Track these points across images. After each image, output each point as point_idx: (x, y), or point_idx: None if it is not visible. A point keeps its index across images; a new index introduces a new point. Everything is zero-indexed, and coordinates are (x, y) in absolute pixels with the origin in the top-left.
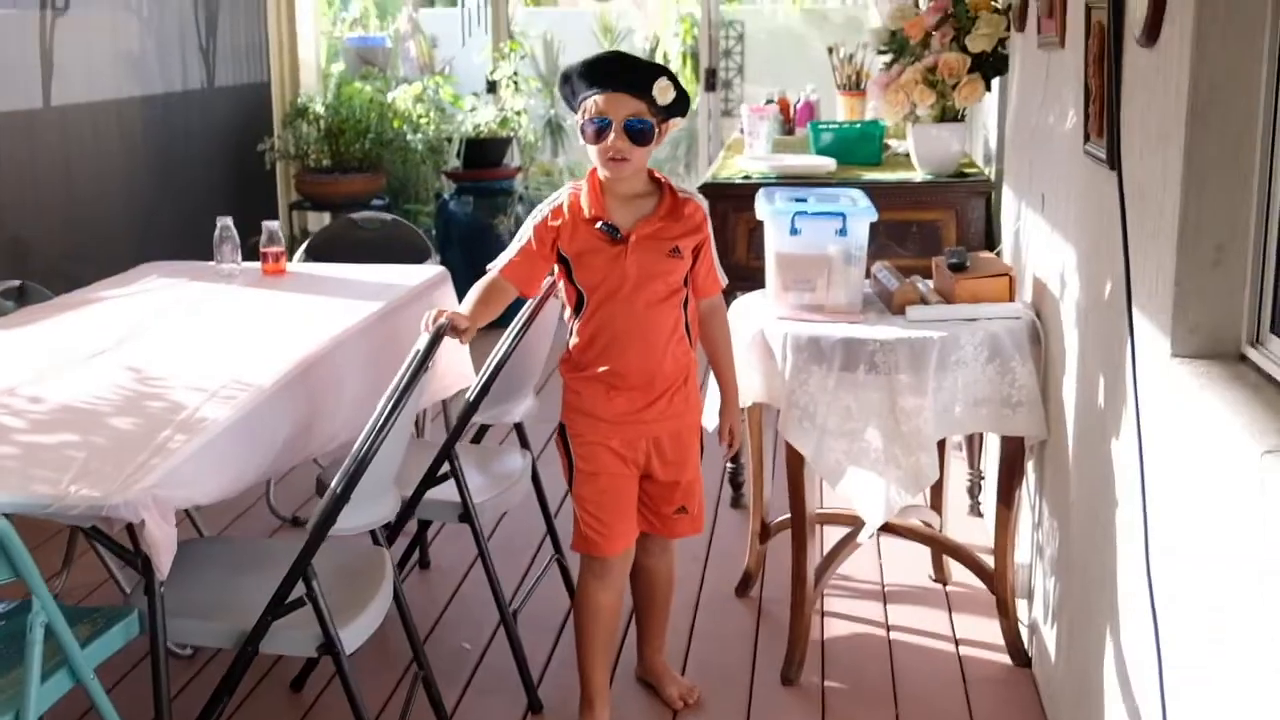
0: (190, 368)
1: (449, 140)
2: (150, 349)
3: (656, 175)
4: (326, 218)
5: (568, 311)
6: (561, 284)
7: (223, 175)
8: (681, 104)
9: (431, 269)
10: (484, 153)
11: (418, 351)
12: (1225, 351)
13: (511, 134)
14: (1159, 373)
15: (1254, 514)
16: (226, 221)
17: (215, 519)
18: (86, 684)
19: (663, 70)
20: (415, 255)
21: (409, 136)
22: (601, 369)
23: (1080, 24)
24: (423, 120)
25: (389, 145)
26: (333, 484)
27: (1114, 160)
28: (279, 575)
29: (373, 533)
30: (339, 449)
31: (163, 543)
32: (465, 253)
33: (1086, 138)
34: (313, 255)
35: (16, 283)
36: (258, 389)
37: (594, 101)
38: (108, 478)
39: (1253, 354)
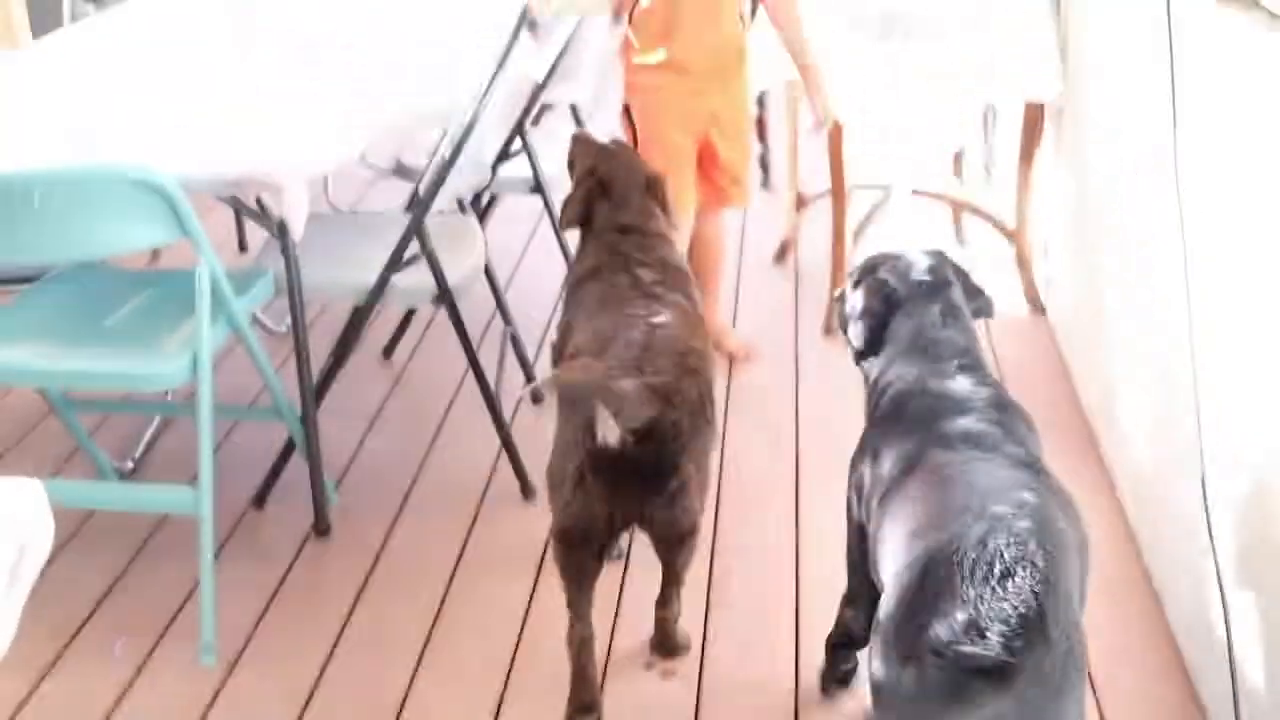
0: (287, 54)
1: None
2: (245, 40)
3: None
4: None
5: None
6: None
7: None
8: None
9: None
10: None
11: (510, 29)
12: None
13: None
14: (1186, 17)
15: None
16: None
17: None
18: (242, 330)
19: None
20: None
21: None
22: (661, 49)
23: None
24: None
25: None
26: (440, 150)
27: None
28: (392, 241)
29: (459, 203)
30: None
31: (298, 205)
32: None
33: None
34: None
35: None
36: (354, 67)
37: None
38: (251, 149)
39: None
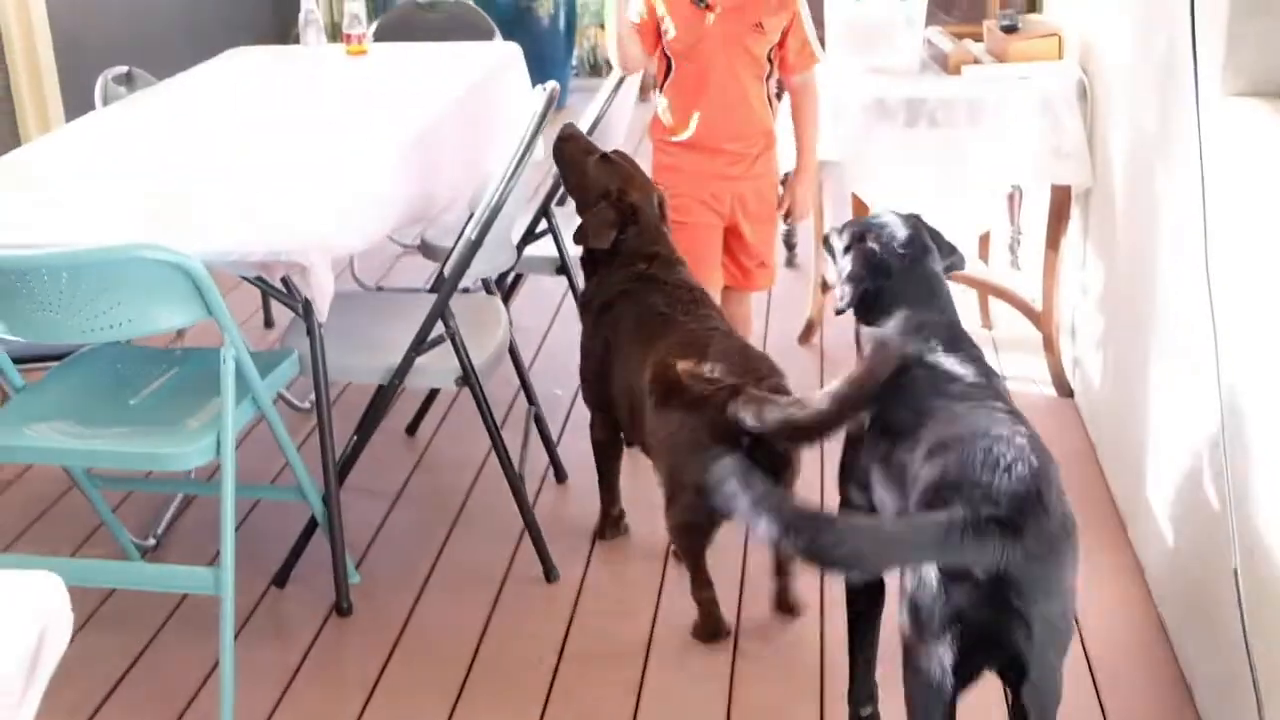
0: (317, 136)
1: None
2: (275, 120)
3: None
4: (363, 2)
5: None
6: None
7: None
8: None
9: (502, 46)
10: None
11: (536, 114)
12: (1271, 90)
13: None
14: (1212, 110)
15: None
16: (310, 5)
17: None
18: (267, 411)
19: None
20: (478, 35)
21: None
22: (688, 132)
23: None
24: None
25: None
26: (467, 232)
27: None
28: (417, 321)
29: (484, 283)
30: (448, 210)
31: (324, 287)
32: (506, 36)
33: None
34: (381, 37)
35: (125, 69)
36: (386, 152)
37: None
38: (278, 230)
39: None
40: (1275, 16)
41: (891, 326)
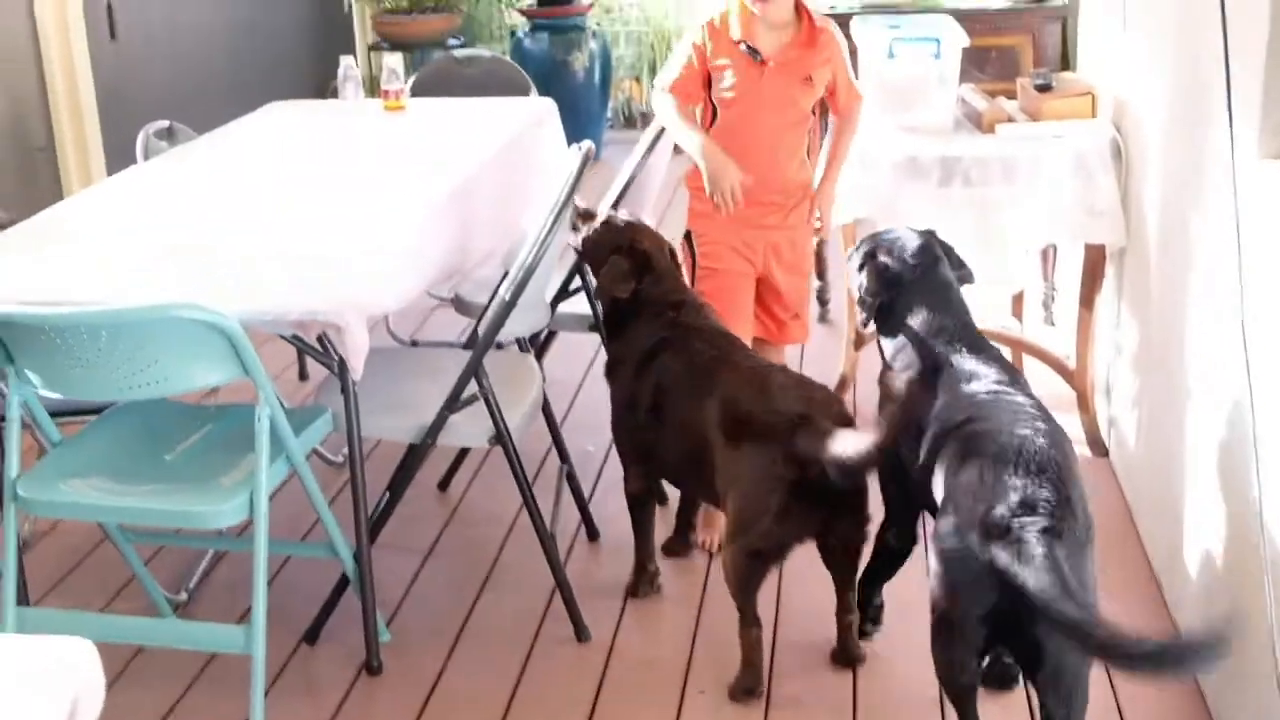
0: (354, 193)
1: None
2: (313, 176)
3: (798, 3)
4: (400, 58)
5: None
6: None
7: (305, 17)
8: None
9: (537, 102)
10: None
11: (571, 172)
12: None
13: None
14: (1248, 173)
15: None
16: (350, 61)
17: None
18: (300, 469)
19: None
20: (515, 90)
21: None
22: None
23: None
24: None
25: None
26: (501, 292)
27: None
28: (450, 379)
29: (518, 341)
30: (481, 266)
31: (359, 346)
32: (542, 90)
33: None
34: (418, 92)
35: (166, 123)
36: (422, 210)
37: None
38: (314, 289)
39: None
40: None
41: (911, 331)
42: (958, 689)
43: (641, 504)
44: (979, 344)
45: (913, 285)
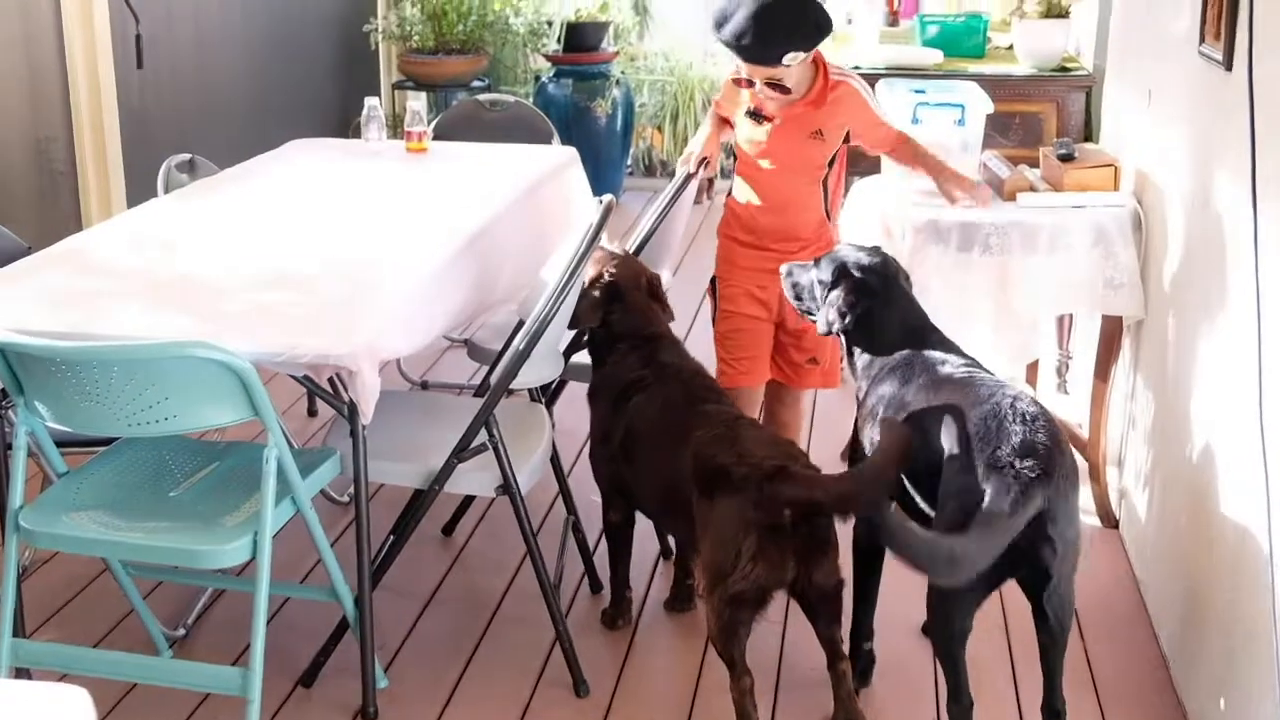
0: (372, 235)
1: (549, 24)
2: (332, 217)
3: (815, 57)
4: (424, 98)
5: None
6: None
7: (331, 54)
8: (825, 30)
9: (560, 150)
10: (583, 37)
11: (591, 225)
12: None
13: (610, 19)
14: (1271, 255)
15: None
16: (374, 102)
17: None
18: (305, 512)
19: (796, 36)
20: (537, 137)
21: (510, 19)
22: (745, 232)
23: None
24: (523, 4)
25: (490, 27)
26: (515, 343)
27: (1229, 62)
28: (459, 425)
29: (530, 391)
30: (496, 311)
31: (370, 390)
32: (564, 135)
33: (1201, 39)
34: (441, 134)
35: (188, 156)
36: (440, 255)
37: (738, 63)
38: (327, 332)
39: None
40: None
41: (887, 334)
42: (954, 634)
43: (620, 534)
44: (946, 341)
45: (883, 295)
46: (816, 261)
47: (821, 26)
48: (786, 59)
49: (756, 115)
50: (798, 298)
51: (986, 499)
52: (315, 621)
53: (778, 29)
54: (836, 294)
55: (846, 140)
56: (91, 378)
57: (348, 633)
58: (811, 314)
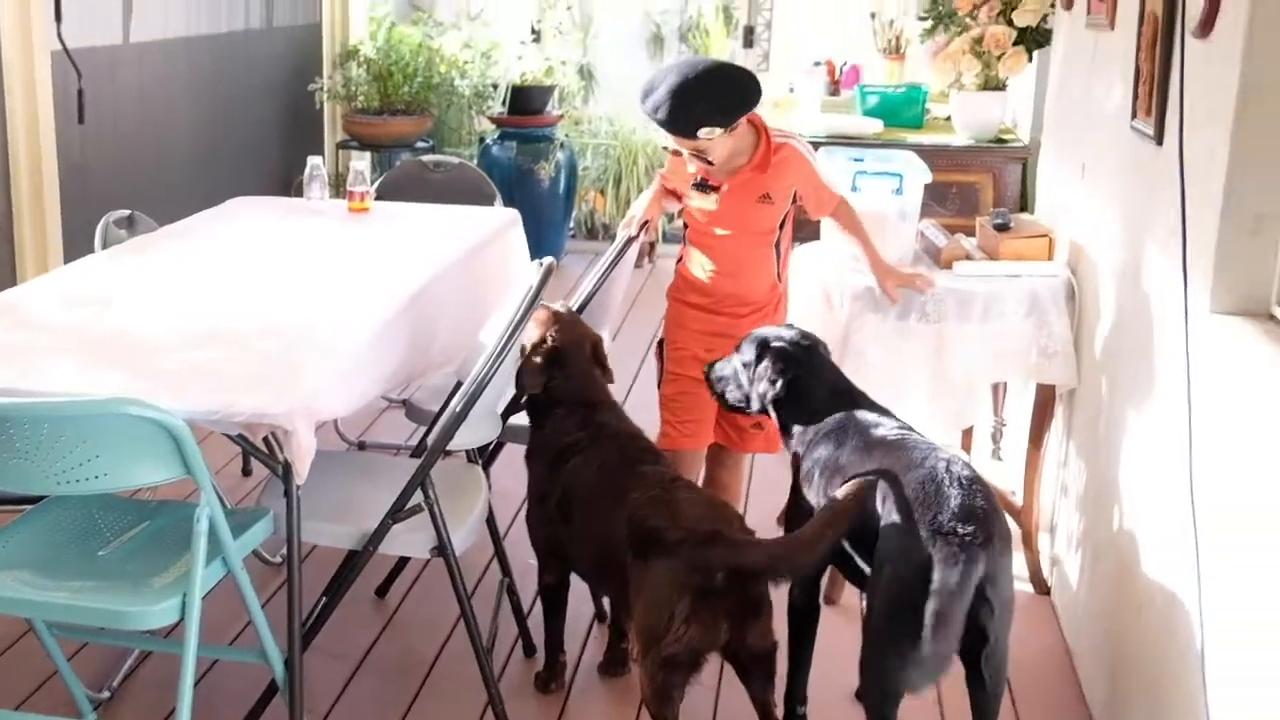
0: (311, 294)
1: (494, 86)
2: (269, 276)
3: (755, 122)
4: (368, 158)
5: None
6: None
7: (275, 113)
8: (744, 108)
9: (502, 211)
10: (528, 100)
11: (530, 288)
12: (1258, 310)
13: (555, 83)
14: (1200, 326)
15: None
16: (317, 161)
17: None
18: (236, 574)
19: (712, 112)
20: (480, 198)
21: (456, 81)
22: (698, 295)
23: (1133, 9)
24: (469, 66)
25: (436, 89)
26: (453, 405)
27: (1160, 136)
28: (395, 486)
29: (467, 452)
30: (434, 372)
31: (305, 450)
32: (507, 197)
33: (1134, 114)
34: (383, 194)
35: (127, 212)
36: (379, 315)
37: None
38: (263, 391)
39: None
40: (1265, 239)
41: (815, 400)
42: (888, 696)
43: (555, 596)
44: (873, 404)
45: (807, 362)
46: (738, 348)
47: (742, 102)
48: (702, 133)
49: (704, 185)
50: (722, 394)
51: (936, 572)
52: (244, 684)
53: (694, 105)
54: (764, 365)
55: (795, 201)
56: (21, 434)
57: (277, 696)
58: (740, 403)
